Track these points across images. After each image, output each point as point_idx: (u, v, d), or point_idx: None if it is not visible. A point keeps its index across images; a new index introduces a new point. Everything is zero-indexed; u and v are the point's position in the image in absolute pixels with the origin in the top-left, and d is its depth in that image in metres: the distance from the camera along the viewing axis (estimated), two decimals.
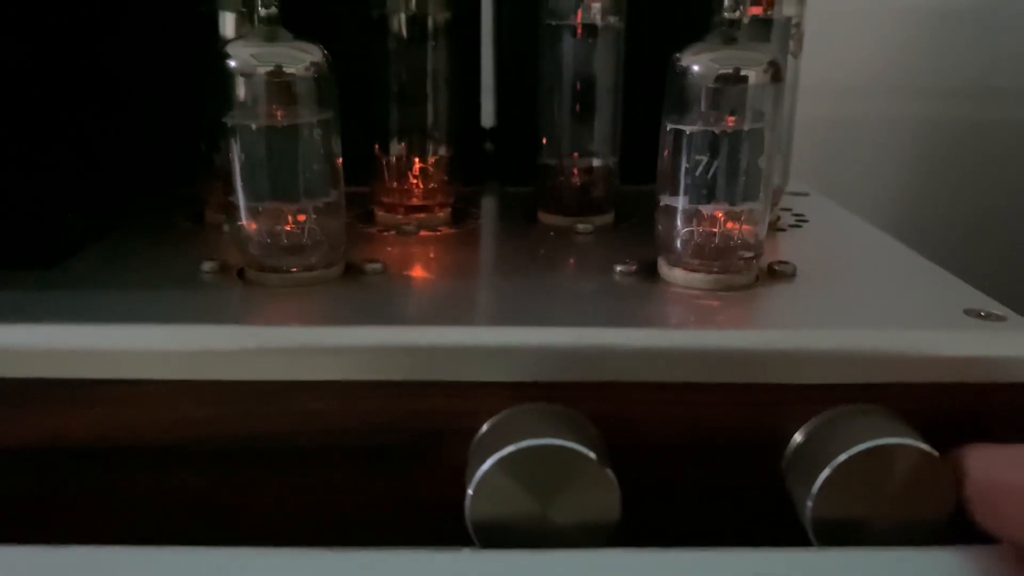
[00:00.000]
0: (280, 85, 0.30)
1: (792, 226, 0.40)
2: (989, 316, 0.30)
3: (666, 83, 0.32)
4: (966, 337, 0.29)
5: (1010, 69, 0.78)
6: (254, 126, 0.29)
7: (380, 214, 0.40)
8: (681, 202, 0.32)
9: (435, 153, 0.39)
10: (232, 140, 0.30)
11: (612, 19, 0.38)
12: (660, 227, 0.33)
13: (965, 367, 0.28)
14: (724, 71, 0.31)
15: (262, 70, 0.29)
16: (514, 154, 0.47)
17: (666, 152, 0.32)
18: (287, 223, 0.31)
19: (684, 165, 0.31)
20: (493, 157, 0.49)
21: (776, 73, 0.31)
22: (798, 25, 0.39)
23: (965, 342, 0.28)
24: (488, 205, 0.45)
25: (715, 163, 0.31)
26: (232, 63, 0.30)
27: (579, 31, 0.38)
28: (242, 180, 0.30)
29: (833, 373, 0.28)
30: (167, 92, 0.42)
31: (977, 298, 0.31)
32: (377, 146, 0.39)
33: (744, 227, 0.32)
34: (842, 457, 0.27)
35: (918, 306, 0.31)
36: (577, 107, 0.39)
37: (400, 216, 0.39)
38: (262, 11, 0.30)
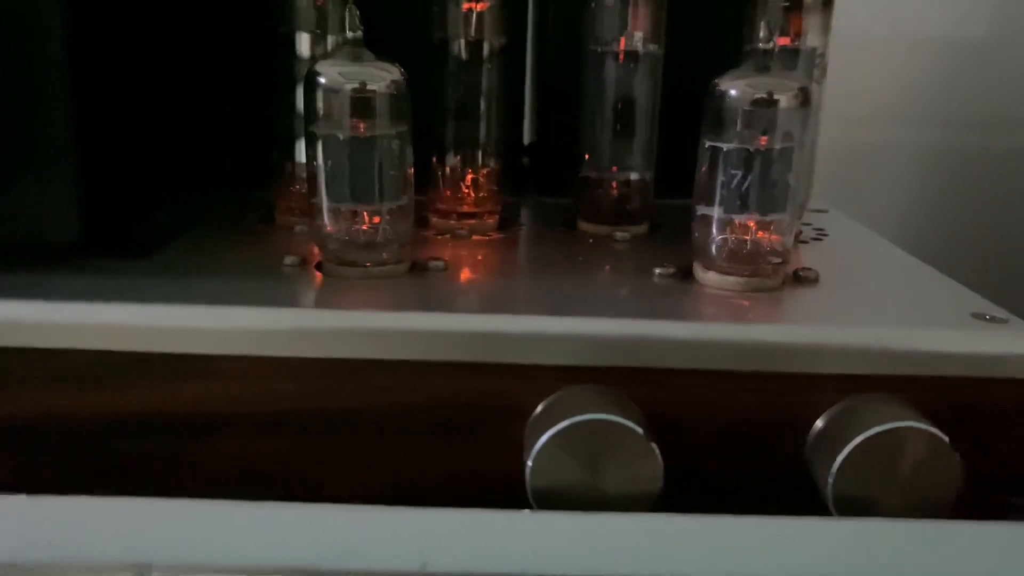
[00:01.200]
0: (363, 100, 0.33)
1: (814, 239, 0.44)
2: (993, 319, 0.33)
3: (705, 105, 0.35)
4: (972, 336, 0.32)
5: (1020, 99, 0.81)
6: (340, 136, 0.33)
7: (435, 220, 0.43)
8: (716, 212, 0.35)
9: (485, 165, 0.43)
10: (319, 148, 0.34)
11: (652, 47, 0.42)
12: (697, 234, 0.36)
13: (971, 363, 0.32)
14: (759, 95, 0.34)
15: (348, 86, 0.33)
16: (551, 168, 0.51)
17: (704, 167, 0.36)
18: (364, 223, 0.35)
19: (720, 178, 0.35)
20: (531, 171, 0.53)
21: (805, 98, 0.35)
22: (822, 55, 0.43)
23: (971, 340, 0.32)
24: (529, 214, 0.48)
25: (748, 177, 0.35)
26: (322, 79, 0.33)
27: (621, 57, 0.42)
28: (326, 184, 0.34)
29: (852, 365, 0.32)
30: (245, 105, 0.46)
31: (983, 304, 0.35)
32: (434, 158, 0.43)
33: (773, 236, 0.36)
34: (860, 438, 0.30)
35: (930, 309, 0.34)
36: (617, 126, 0.43)
37: (453, 221, 0.43)
38: (349, 34, 0.33)
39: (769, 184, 0.35)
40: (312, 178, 0.34)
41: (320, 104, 0.34)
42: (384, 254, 0.35)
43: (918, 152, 0.82)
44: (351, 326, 0.31)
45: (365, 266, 0.35)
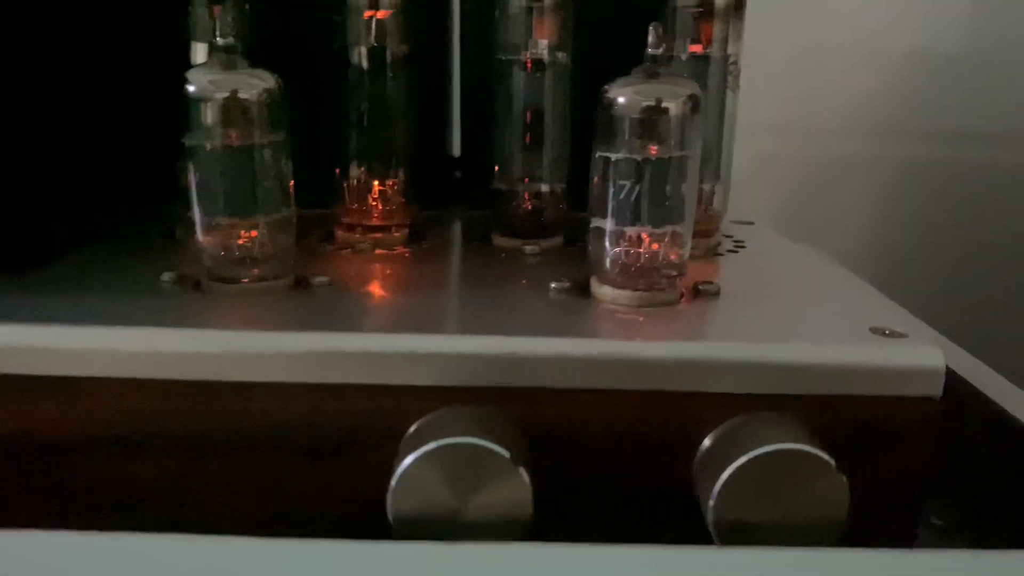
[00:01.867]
0: (234, 109, 0.32)
1: (730, 251, 0.43)
2: (893, 334, 0.32)
3: (596, 114, 0.34)
4: (866, 351, 0.30)
5: (986, 112, 0.80)
6: (210, 146, 0.32)
7: (340, 234, 0.42)
8: (608, 224, 0.34)
9: (392, 177, 0.42)
10: (190, 160, 0.32)
11: (559, 55, 0.41)
12: (591, 247, 0.35)
13: (865, 379, 0.30)
14: (647, 103, 0.33)
15: (218, 95, 0.32)
16: (478, 180, 0.49)
17: (596, 178, 0.34)
18: (240, 237, 0.33)
19: (611, 190, 0.34)
20: (460, 182, 0.52)
21: (695, 106, 0.33)
22: (735, 63, 0.42)
23: (865, 356, 0.30)
24: (448, 228, 0.47)
25: (638, 188, 0.33)
26: (191, 88, 0.32)
27: (528, 66, 0.41)
28: (198, 196, 0.33)
29: (742, 383, 0.30)
30: (147, 115, 0.45)
31: (888, 317, 0.33)
32: (338, 170, 0.42)
33: (668, 248, 0.34)
34: (741, 460, 0.28)
35: (829, 324, 0.33)
36: (526, 136, 0.42)
37: (358, 235, 0.42)
38: (219, 41, 0.32)
39: (661, 195, 0.34)
40: (187, 191, 0.33)
41: (191, 114, 0.32)
42: (262, 269, 0.34)
43: (887, 168, 0.82)
44: (208, 348, 0.30)
45: (242, 282, 0.34)
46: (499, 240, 0.43)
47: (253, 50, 0.35)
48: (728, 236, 0.45)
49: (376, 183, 0.42)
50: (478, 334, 0.30)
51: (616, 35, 0.43)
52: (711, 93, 0.41)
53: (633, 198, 0.33)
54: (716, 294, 0.36)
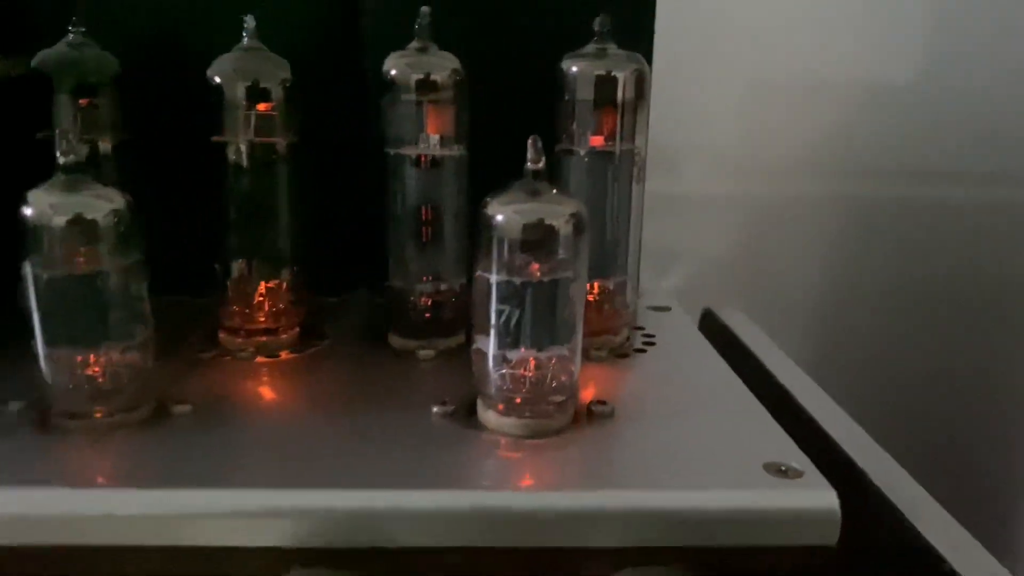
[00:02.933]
0: (79, 233, 0.30)
1: (638, 350, 0.41)
2: (788, 471, 0.30)
3: (476, 230, 0.32)
4: (758, 496, 0.28)
5: (936, 149, 0.80)
6: (47, 274, 0.29)
7: (223, 336, 0.40)
8: (491, 347, 0.32)
9: (276, 276, 0.39)
10: (30, 286, 0.30)
11: (455, 147, 0.39)
12: (475, 369, 0.33)
13: (754, 528, 0.28)
14: (528, 222, 0.31)
15: (58, 219, 0.29)
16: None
17: (476, 297, 0.32)
18: (88, 368, 0.31)
19: (492, 311, 0.31)
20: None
21: (579, 224, 0.31)
22: (639, 154, 0.40)
23: (757, 501, 0.28)
24: (349, 320, 0.44)
25: (520, 311, 0.31)
26: (29, 212, 0.29)
27: (420, 160, 0.39)
28: (40, 326, 0.30)
29: (622, 536, 0.28)
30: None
31: (783, 446, 0.31)
32: (218, 265, 0.39)
33: (555, 371, 0.32)
34: None
35: (720, 456, 0.31)
36: (421, 233, 0.39)
37: (240, 339, 0.39)
38: (61, 159, 0.30)
39: (546, 317, 0.31)
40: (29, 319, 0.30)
41: (31, 238, 0.30)
42: (112, 403, 0.31)
43: (837, 206, 0.81)
44: (37, 509, 0.27)
45: (92, 417, 0.31)
46: (395, 340, 0.40)
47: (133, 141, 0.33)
48: (639, 328, 0.43)
49: (262, 283, 0.39)
50: (336, 486, 0.28)
51: (516, 125, 0.42)
52: (615, 186, 0.39)
53: (515, 321, 0.31)
54: (610, 416, 0.33)
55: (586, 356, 0.39)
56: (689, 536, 0.28)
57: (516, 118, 0.41)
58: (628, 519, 0.28)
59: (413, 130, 0.38)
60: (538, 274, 0.31)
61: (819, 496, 0.28)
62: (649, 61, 0.44)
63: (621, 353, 0.40)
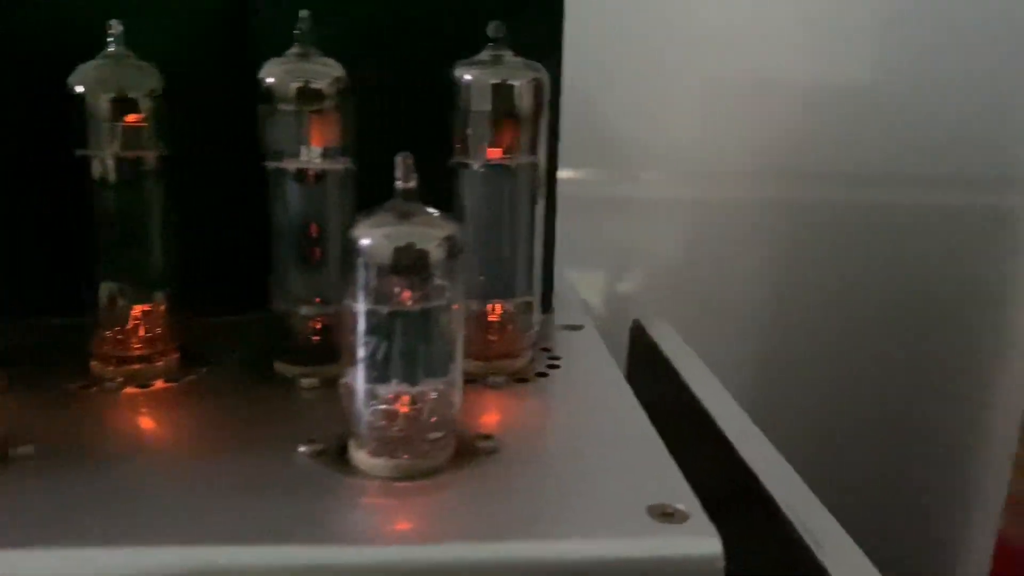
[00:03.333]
0: None
1: (539, 374, 0.38)
2: (675, 514, 0.28)
3: (342, 256, 0.29)
4: (635, 545, 0.26)
5: (880, 152, 0.79)
6: None
7: (94, 364, 0.37)
8: (359, 382, 0.29)
9: (148, 300, 0.36)
10: None
11: (340, 161, 0.36)
12: (344, 405, 0.30)
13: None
14: (397, 246, 0.29)
15: None
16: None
17: (344, 327, 0.30)
18: None
19: (360, 343, 0.29)
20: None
21: (453, 248, 0.29)
22: (537, 167, 0.37)
23: (634, 550, 0.26)
24: (235, 344, 0.41)
25: (389, 342, 0.29)
26: None
27: (302, 174, 0.36)
28: None
29: None
30: None
31: (671, 486, 0.29)
32: (88, 289, 0.36)
33: (430, 407, 0.30)
34: None
35: (604, 501, 0.29)
36: (305, 252, 0.37)
37: (112, 368, 0.36)
38: None
39: (419, 349, 0.29)
40: None
41: None
42: None
43: (780, 209, 0.80)
44: None
45: None
46: (279, 366, 0.38)
47: None
48: (546, 350, 0.41)
49: (135, 306, 0.37)
50: (170, 542, 0.25)
51: (409, 136, 0.39)
52: (514, 202, 0.37)
53: (385, 354, 0.29)
54: (494, 452, 0.31)
55: (483, 383, 0.37)
56: None
57: (409, 129, 0.39)
58: (490, 573, 0.25)
59: (294, 142, 0.36)
60: (409, 302, 0.29)
61: (701, 543, 0.26)
62: (558, 70, 0.42)
63: (521, 378, 0.38)
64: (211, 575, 0.25)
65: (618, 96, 0.75)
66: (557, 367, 0.39)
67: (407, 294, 0.29)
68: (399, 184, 0.29)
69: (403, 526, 0.28)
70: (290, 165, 0.36)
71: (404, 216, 0.29)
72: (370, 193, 0.36)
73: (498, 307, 0.38)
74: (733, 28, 0.74)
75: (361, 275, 0.29)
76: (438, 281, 0.29)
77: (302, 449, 0.31)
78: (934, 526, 0.87)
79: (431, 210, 0.29)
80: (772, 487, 0.37)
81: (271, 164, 0.36)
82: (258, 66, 0.36)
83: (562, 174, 0.76)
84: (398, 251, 0.28)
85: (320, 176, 0.36)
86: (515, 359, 0.38)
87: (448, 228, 0.29)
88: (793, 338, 0.83)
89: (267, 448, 0.31)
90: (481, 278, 0.37)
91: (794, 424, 0.84)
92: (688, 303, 0.81)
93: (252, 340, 0.41)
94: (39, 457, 0.30)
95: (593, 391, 0.37)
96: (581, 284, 0.79)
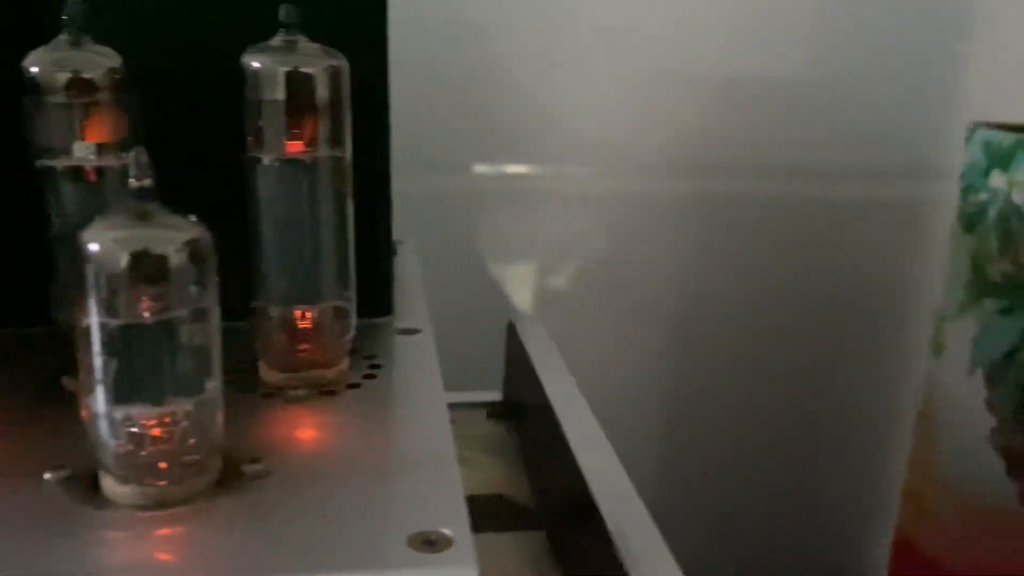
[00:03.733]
0: None
1: (351, 385, 0.36)
2: (437, 542, 0.25)
3: (77, 265, 0.27)
4: None
5: (797, 145, 0.79)
6: None
7: None
8: (98, 404, 0.26)
9: None
10: None
11: (118, 157, 0.33)
12: (87, 430, 0.27)
13: None
14: (132, 251, 0.26)
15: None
16: None
17: (81, 345, 0.27)
18: None
19: (96, 361, 0.26)
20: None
21: (200, 252, 0.26)
22: (343, 160, 0.35)
23: None
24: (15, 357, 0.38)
25: (128, 359, 0.26)
26: None
27: (77, 172, 0.33)
28: None
29: None
30: None
31: (445, 510, 0.27)
32: None
33: (183, 429, 0.27)
34: None
35: (368, 530, 0.26)
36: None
37: None
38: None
39: (161, 365, 0.26)
40: None
41: None
42: None
43: (698, 203, 0.79)
44: None
45: None
46: (66, 381, 0.35)
47: None
48: (370, 357, 0.38)
49: None
50: None
51: (199, 130, 0.37)
52: (315, 199, 0.34)
53: (115, 371, 0.26)
54: (263, 476, 0.28)
55: (282, 396, 0.34)
56: None
57: (200, 122, 0.37)
58: None
59: (66, 138, 0.33)
60: (147, 314, 0.26)
61: (455, 574, 0.24)
62: (383, 62, 0.40)
63: (328, 391, 0.35)
64: None
65: (545, 90, 0.74)
66: (374, 377, 0.37)
67: (145, 304, 0.26)
68: (133, 182, 0.26)
69: (145, 560, 0.25)
70: (62, 163, 0.33)
71: (141, 218, 0.26)
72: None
73: (308, 314, 0.35)
74: (654, 25, 0.74)
75: (92, 284, 0.26)
76: (182, 289, 0.26)
77: (47, 476, 0.28)
78: (839, 520, 0.86)
79: (175, 212, 0.27)
80: (606, 506, 0.35)
81: (41, 162, 0.33)
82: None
83: (483, 169, 0.75)
84: (133, 257, 0.26)
85: (100, 174, 0.33)
86: (326, 369, 0.36)
87: (192, 231, 0.26)
88: (707, 328, 0.82)
89: (20, 473, 0.29)
90: (283, 283, 0.35)
91: (707, 413, 0.84)
92: (609, 295, 0.80)
93: (35, 355, 0.38)
94: None
95: (402, 405, 0.35)
96: (508, 279, 0.77)
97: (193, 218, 0.27)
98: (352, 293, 0.37)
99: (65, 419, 0.32)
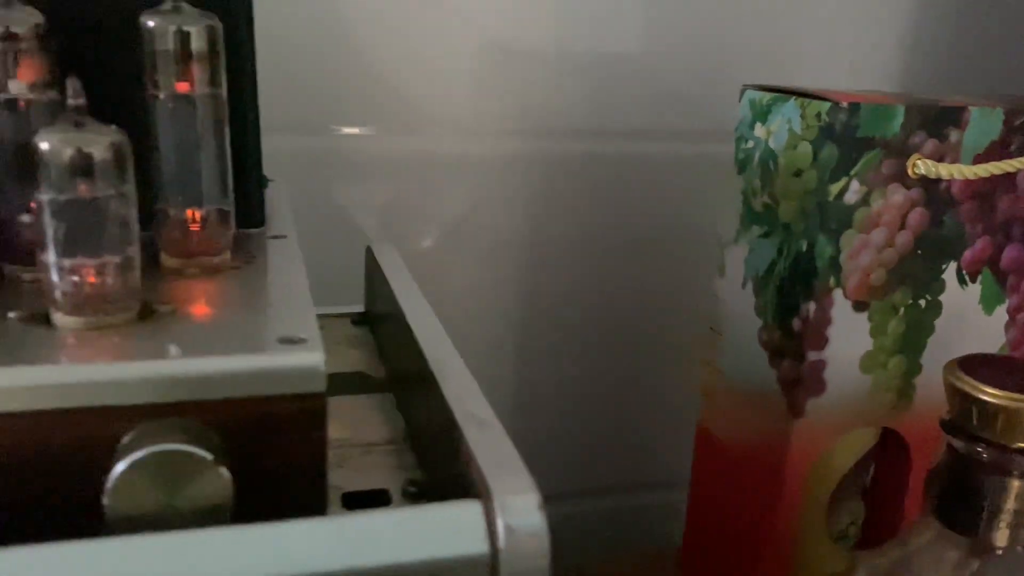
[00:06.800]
0: None
1: (232, 267, 0.47)
2: (296, 340, 0.38)
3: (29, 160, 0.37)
4: (259, 359, 0.36)
5: (621, 111, 0.92)
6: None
7: None
8: (51, 257, 0.38)
9: None
10: None
11: (48, 93, 0.44)
12: (42, 278, 0.38)
13: (256, 382, 0.36)
14: (70, 150, 0.37)
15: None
16: None
17: (36, 216, 0.38)
18: None
19: (47, 227, 0.37)
20: None
21: (119, 151, 0.38)
22: (218, 98, 0.46)
23: (258, 362, 0.36)
24: None
25: (68, 225, 0.37)
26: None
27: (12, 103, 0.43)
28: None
29: (148, 394, 0.35)
30: None
31: (301, 326, 0.39)
32: None
33: (111, 276, 0.38)
34: (129, 459, 0.33)
35: (247, 336, 0.38)
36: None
37: None
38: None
39: (94, 230, 0.38)
40: None
41: None
42: None
43: (524, 164, 0.91)
44: None
45: None
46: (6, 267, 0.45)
47: None
48: (247, 252, 0.50)
49: None
50: None
51: (106, 73, 0.47)
52: (199, 128, 0.46)
53: (63, 234, 0.37)
54: (170, 314, 0.40)
55: (179, 274, 0.46)
56: (199, 394, 0.35)
57: (107, 68, 0.47)
58: (145, 384, 0.35)
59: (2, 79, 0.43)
60: (83, 193, 0.37)
61: (312, 356, 0.37)
62: (249, 13, 0.51)
63: (215, 270, 0.47)
64: None
65: (397, 57, 0.85)
66: (251, 263, 0.49)
67: (83, 187, 0.37)
68: (70, 102, 0.37)
69: (87, 355, 0.36)
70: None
71: (78, 126, 0.37)
72: None
73: (196, 214, 0.47)
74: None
75: (43, 172, 0.37)
76: (107, 176, 0.37)
77: (11, 315, 0.39)
78: (656, 423, 1.03)
79: (100, 123, 0.38)
80: (434, 364, 0.47)
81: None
82: None
83: (347, 130, 0.86)
84: (72, 153, 0.37)
85: (28, 104, 0.44)
86: (212, 256, 0.47)
87: (113, 135, 0.38)
88: (548, 263, 0.96)
89: None
90: (176, 190, 0.46)
91: (549, 339, 0.98)
92: (459, 250, 0.92)
93: None
94: None
95: (273, 277, 0.47)
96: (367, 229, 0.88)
97: (115, 127, 0.38)
98: (230, 200, 0.48)
99: (10, 290, 0.43)
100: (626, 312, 0.99)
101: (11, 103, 0.43)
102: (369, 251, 0.69)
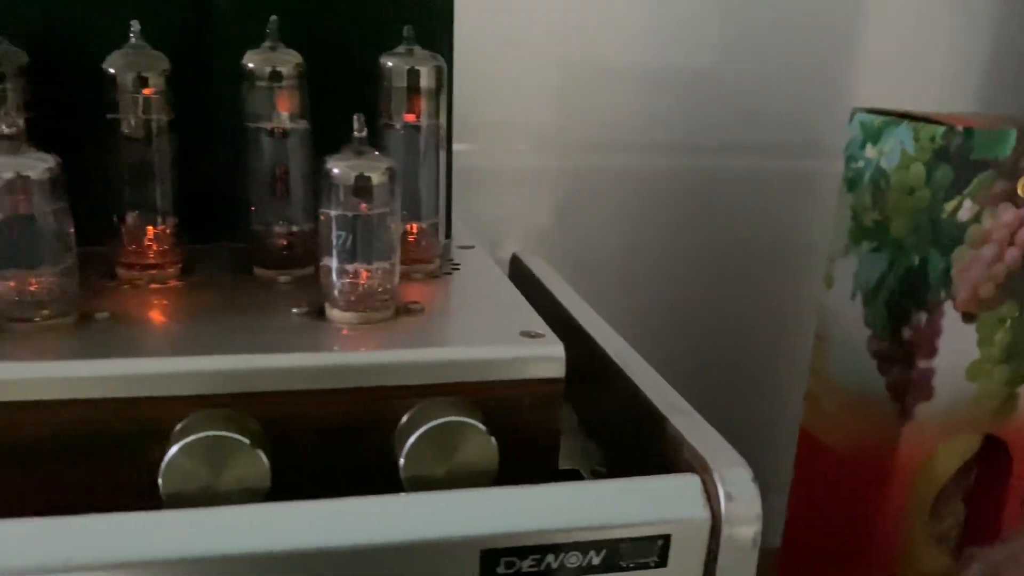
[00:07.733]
0: None
1: (446, 273, 0.55)
2: (535, 335, 0.45)
3: (319, 179, 0.45)
4: (509, 349, 0.43)
5: (713, 126, 0.96)
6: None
7: (120, 271, 0.51)
8: (333, 263, 0.45)
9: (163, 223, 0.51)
10: None
11: (299, 123, 0.51)
12: (322, 280, 0.46)
13: (506, 368, 0.43)
14: (355, 174, 0.44)
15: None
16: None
17: (321, 229, 0.45)
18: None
19: (332, 238, 0.45)
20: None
21: (391, 175, 0.45)
22: (440, 127, 0.54)
23: (508, 351, 0.43)
24: (215, 261, 0.56)
25: (351, 236, 0.44)
26: None
27: (272, 132, 0.51)
28: None
29: (424, 376, 0.42)
30: None
31: (535, 323, 0.46)
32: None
33: (379, 279, 0.46)
34: (421, 430, 0.40)
35: (493, 330, 0.46)
36: (276, 188, 0.52)
37: (136, 272, 0.50)
38: (4, 129, 0.40)
39: (370, 240, 0.45)
40: None
41: None
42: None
43: (632, 178, 0.97)
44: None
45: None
46: (259, 271, 0.53)
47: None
48: (450, 260, 0.57)
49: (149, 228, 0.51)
50: (222, 353, 0.41)
51: (347, 106, 0.55)
52: (424, 152, 0.53)
53: (348, 243, 0.44)
54: (421, 312, 0.47)
55: (407, 278, 0.53)
56: (465, 376, 0.42)
57: (349, 101, 0.55)
58: (425, 368, 0.42)
59: (268, 109, 0.51)
60: (363, 210, 0.45)
61: (553, 348, 0.43)
62: (450, 58, 0.58)
63: (433, 275, 0.54)
64: (256, 371, 0.40)
65: (487, 82, 0.90)
66: (459, 269, 0.56)
67: (363, 205, 0.45)
68: (355, 134, 0.44)
69: (364, 343, 0.44)
70: (265, 125, 0.51)
71: (359, 154, 0.45)
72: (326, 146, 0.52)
73: (415, 226, 0.54)
74: (583, 19, 0.90)
75: (332, 192, 0.44)
76: (381, 196, 0.45)
77: (295, 311, 0.46)
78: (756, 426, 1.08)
79: (375, 151, 0.45)
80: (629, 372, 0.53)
81: (252, 125, 0.51)
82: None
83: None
84: (356, 176, 0.44)
85: (285, 133, 0.51)
86: (428, 263, 0.55)
87: (388, 162, 0.45)
88: (646, 279, 1.01)
89: (266, 313, 0.47)
90: (404, 208, 0.53)
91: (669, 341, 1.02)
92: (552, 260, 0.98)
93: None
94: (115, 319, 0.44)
95: (487, 283, 0.54)
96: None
97: (386, 156, 0.45)
98: (441, 215, 0.55)
99: (276, 290, 0.50)
100: (729, 320, 1.03)
101: (271, 132, 0.51)
102: (515, 258, 0.76)
